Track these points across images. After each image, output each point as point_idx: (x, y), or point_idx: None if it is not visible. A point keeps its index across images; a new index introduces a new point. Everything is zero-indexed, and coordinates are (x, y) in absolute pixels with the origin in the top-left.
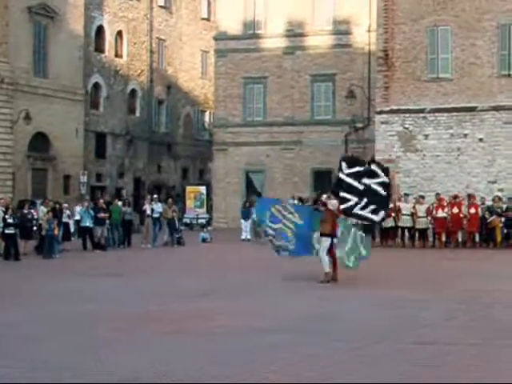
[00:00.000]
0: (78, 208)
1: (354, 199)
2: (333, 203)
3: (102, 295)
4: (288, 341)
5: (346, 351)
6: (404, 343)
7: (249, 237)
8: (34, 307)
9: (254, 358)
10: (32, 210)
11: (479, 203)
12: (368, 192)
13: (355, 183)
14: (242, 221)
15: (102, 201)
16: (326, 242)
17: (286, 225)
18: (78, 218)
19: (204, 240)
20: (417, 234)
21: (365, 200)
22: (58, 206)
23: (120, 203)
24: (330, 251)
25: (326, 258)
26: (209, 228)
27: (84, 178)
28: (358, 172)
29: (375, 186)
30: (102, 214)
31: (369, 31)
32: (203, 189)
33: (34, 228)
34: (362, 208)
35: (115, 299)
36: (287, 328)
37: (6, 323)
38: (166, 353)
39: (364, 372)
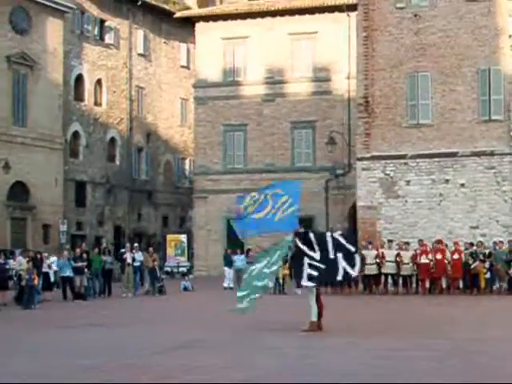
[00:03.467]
0: (52, 258)
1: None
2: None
3: (79, 347)
4: None
5: None
6: None
7: (231, 285)
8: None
9: None
10: (9, 260)
11: (462, 249)
12: (336, 246)
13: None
14: (226, 268)
15: (78, 250)
16: (314, 288)
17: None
18: (55, 268)
19: (186, 289)
20: (400, 281)
21: (333, 252)
22: (38, 255)
23: (96, 251)
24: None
25: (315, 307)
26: (190, 276)
27: (64, 227)
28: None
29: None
30: (78, 264)
31: (348, 78)
32: (184, 237)
33: (14, 278)
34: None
35: (94, 351)
36: (270, 381)
37: None
38: None
39: None
